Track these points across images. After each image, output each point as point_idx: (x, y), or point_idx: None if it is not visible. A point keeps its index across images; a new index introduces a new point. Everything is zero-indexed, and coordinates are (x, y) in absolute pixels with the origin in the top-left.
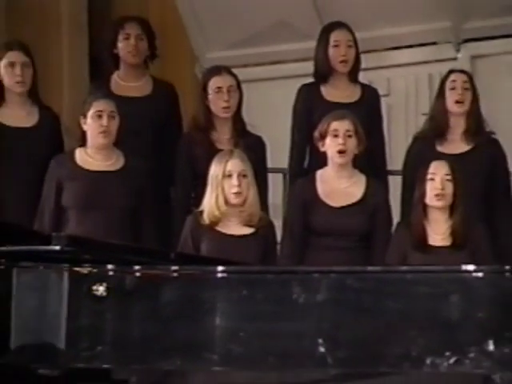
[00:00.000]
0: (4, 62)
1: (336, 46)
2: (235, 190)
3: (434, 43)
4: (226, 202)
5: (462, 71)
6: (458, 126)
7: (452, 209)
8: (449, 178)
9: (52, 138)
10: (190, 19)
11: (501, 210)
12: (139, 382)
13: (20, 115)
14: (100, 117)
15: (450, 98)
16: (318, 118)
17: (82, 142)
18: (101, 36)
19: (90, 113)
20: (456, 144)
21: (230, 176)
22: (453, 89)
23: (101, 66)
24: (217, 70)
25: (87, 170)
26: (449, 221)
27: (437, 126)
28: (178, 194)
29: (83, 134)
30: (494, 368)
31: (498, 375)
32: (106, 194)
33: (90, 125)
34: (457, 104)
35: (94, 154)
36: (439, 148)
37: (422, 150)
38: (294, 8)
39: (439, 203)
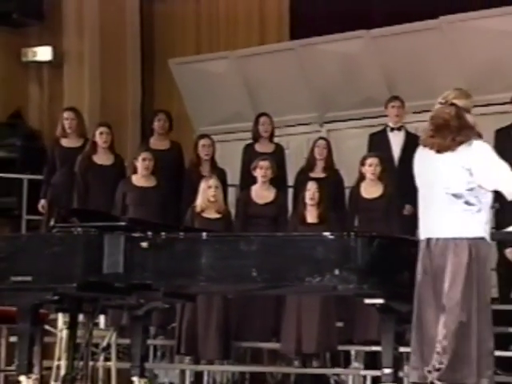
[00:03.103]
0: (98, 131)
1: (262, 124)
2: (212, 194)
3: (309, 124)
4: (208, 200)
5: (324, 139)
6: (320, 165)
7: (318, 205)
8: (317, 189)
9: (120, 170)
10: (191, 109)
11: (339, 206)
12: (165, 290)
13: (104, 158)
14: (144, 160)
15: (317, 154)
16: (253, 159)
17: (134, 172)
18: (147, 119)
19: (140, 158)
20: (319, 173)
21: (210, 187)
22: (318, 147)
23: (145, 133)
24: (202, 136)
25: (137, 186)
26: (317, 210)
27: (310, 165)
28: (185, 198)
29: (135, 168)
30: (338, 283)
31: (340, 286)
32: (147, 198)
33: (139, 163)
34: (319, 154)
35: (141, 177)
36: (311, 175)
37: (303, 176)
38: (242, 104)
39: (312, 202)
